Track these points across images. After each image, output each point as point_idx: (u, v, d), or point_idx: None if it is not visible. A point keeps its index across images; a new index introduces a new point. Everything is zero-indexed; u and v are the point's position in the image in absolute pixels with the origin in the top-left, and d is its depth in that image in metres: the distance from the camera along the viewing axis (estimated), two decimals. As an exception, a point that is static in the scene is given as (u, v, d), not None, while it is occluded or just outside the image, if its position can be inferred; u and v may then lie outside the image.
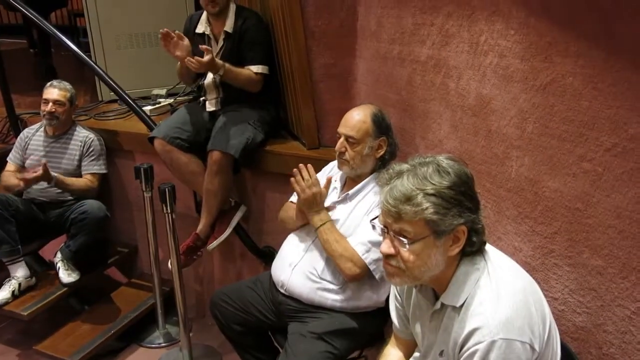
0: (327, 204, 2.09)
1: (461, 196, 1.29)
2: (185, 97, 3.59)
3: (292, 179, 2.07)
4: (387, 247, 1.33)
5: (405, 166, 1.34)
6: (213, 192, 2.73)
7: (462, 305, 1.31)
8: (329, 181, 2.11)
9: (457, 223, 1.28)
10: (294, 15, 2.57)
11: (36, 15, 3.29)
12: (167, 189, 2.56)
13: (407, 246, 1.28)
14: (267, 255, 2.95)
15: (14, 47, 5.86)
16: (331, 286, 2.04)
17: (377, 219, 1.39)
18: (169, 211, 2.59)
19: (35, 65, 5.51)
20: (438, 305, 1.37)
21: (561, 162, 1.44)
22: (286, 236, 2.28)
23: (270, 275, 2.22)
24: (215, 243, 2.82)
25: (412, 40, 2.12)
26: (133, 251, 3.49)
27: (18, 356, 3.00)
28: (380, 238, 1.38)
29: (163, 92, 3.64)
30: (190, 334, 2.86)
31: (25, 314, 2.80)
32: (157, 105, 3.47)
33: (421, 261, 1.29)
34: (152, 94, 3.62)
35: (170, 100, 3.56)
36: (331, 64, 2.68)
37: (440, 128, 2.01)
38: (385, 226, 1.34)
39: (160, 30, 2.53)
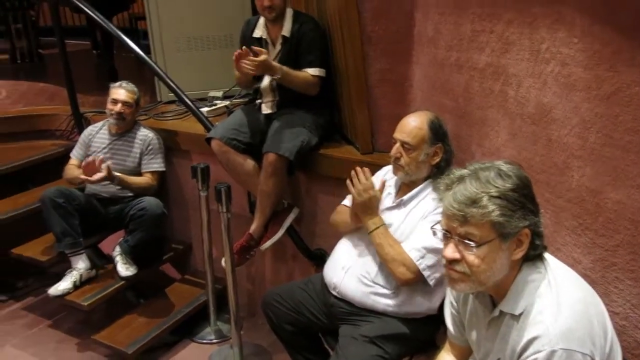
0: (381, 208, 2.10)
1: (524, 199, 1.30)
2: (242, 100, 3.65)
3: (348, 181, 2.10)
4: (451, 251, 1.33)
5: (465, 171, 1.35)
6: (267, 193, 2.78)
7: (521, 314, 1.30)
8: (383, 184, 2.13)
9: (522, 225, 1.28)
10: (351, 21, 2.60)
11: (102, 17, 3.40)
12: (223, 189, 2.60)
13: (474, 250, 1.29)
14: (319, 258, 2.97)
15: (78, 49, 6.09)
16: (384, 290, 2.05)
17: (437, 225, 1.39)
18: (224, 210, 2.63)
19: (97, 66, 5.72)
20: (496, 312, 1.37)
21: (625, 174, 1.42)
22: (338, 239, 2.30)
23: (322, 277, 2.24)
24: (268, 243, 2.87)
25: (470, 47, 2.11)
26: (187, 248, 3.58)
27: (77, 345, 3.12)
28: (437, 244, 1.39)
29: (220, 94, 3.72)
30: (241, 332, 2.91)
31: (86, 304, 2.91)
32: (213, 107, 3.54)
33: (487, 265, 1.30)
34: (208, 96, 3.71)
35: (227, 102, 3.63)
36: (387, 69, 2.69)
37: (497, 136, 1.99)
38: (448, 230, 1.34)
39: (235, 54, 2.59)
